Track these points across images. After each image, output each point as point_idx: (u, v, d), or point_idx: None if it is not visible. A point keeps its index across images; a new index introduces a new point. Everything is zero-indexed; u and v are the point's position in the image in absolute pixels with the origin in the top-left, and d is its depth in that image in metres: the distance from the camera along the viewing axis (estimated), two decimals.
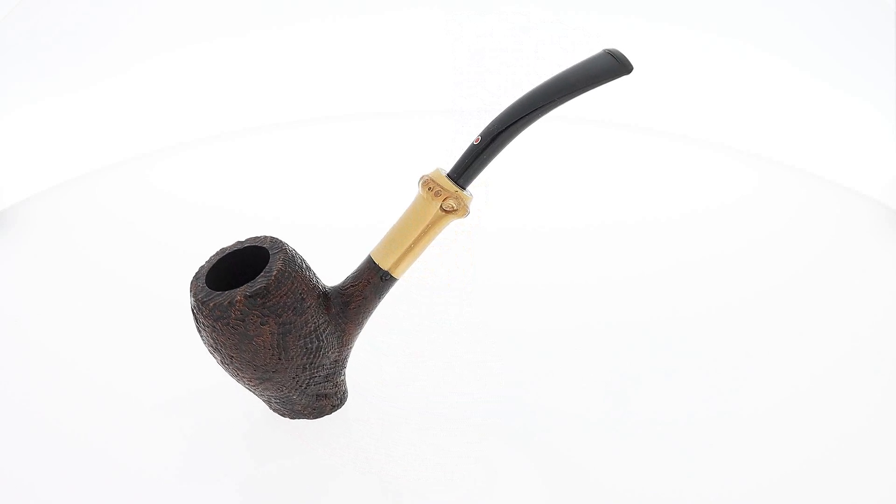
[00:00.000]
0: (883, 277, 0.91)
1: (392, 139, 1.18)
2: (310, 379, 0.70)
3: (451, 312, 0.85)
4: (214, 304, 0.66)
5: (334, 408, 0.73)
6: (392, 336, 0.81)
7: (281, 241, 0.70)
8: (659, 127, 1.18)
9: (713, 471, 0.70)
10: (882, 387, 0.77)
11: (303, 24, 1.27)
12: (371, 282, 0.70)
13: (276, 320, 0.67)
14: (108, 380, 0.79)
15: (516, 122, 0.67)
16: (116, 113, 1.20)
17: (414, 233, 0.69)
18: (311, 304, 0.68)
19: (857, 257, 0.94)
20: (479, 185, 0.71)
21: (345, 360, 0.72)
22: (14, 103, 1.16)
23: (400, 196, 0.75)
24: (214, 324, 0.67)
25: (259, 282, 0.67)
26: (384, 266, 0.70)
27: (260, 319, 0.66)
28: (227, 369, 0.69)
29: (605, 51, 0.68)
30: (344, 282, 0.71)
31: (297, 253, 0.70)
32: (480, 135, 0.68)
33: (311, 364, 0.69)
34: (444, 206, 0.69)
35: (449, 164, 0.71)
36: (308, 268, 0.70)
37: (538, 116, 0.67)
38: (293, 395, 0.71)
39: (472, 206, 0.71)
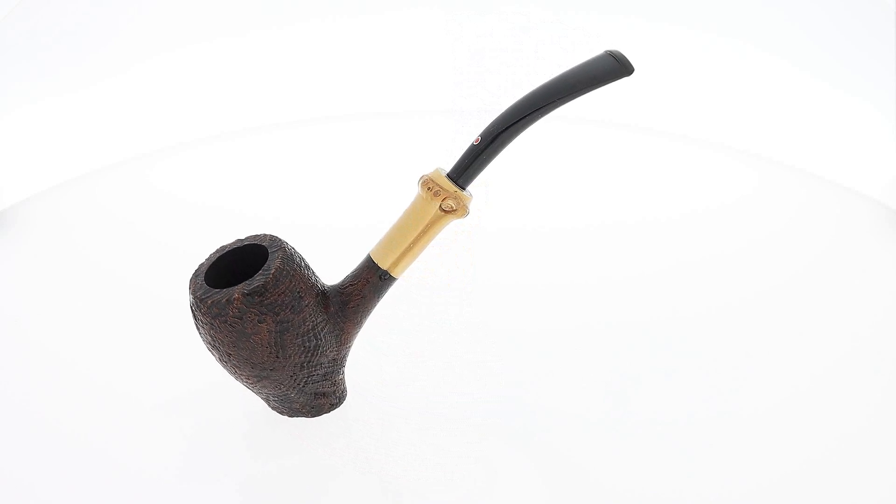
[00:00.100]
0: (883, 277, 0.91)
1: (392, 139, 1.18)
2: (308, 377, 0.70)
3: (451, 312, 0.85)
4: (212, 302, 0.66)
5: (333, 406, 0.73)
6: (392, 336, 0.81)
7: (280, 240, 0.70)
8: (659, 127, 1.18)
9: (713, 471, 0.70)
10: (882, 387, 0.77)
11: (303, 24, 1.27)
12: (370, 281, 0.70)
13: (273, 318, 0.67)
14: (108, 379, 0.79)
15: (516, 122, 0.67)
16: (116, 113, 1.20)
17: (413, 232, 0.69)
18: (309, 303, 0.68)
19: (857, 257, 0.94)
20: (479, 185, 0.71)
21: (343, 359, 0.72)
22: (14, 103, 1.16)
23: (400, 196, 0.75)
24: (212, 321, 0.67)
25: (257, 280, 0.67)
26: (383, 265, 0.70)
27: (257, 317, 0.66)
28: (225, 367, 0.69)
29: (606, 52, 0.68)
30: (343, 281, 0.71)
31: (296, 252, 0.70)
32: (480, 135, 0.68)
33: (309, 362, 0.69)
34: (443, 206, 0.69)
35: (449, 164, 0.71)
36: (307, 266, 0.70)
37: (538, 117, 0.67)
38: (291, 393, 0.71)
39: (472, 206, 0.71)
